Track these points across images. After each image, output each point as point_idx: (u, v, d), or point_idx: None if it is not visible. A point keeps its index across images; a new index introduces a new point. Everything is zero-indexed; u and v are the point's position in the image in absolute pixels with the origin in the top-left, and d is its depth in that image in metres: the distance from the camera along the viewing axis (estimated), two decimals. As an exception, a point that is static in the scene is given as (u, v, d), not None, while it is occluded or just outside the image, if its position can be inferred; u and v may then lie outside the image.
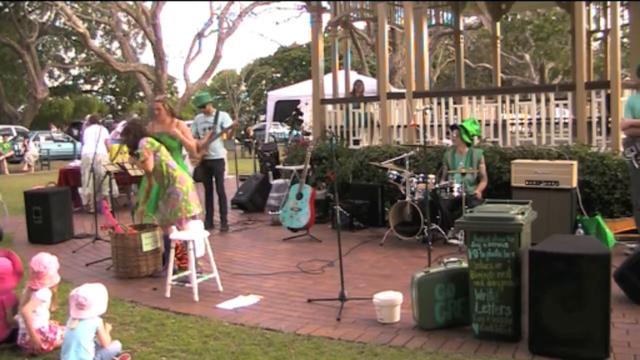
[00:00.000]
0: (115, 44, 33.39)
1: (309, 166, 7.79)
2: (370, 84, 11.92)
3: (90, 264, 6.35)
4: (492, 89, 12.92)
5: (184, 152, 9.96)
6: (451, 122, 8.26)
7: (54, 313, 4.18)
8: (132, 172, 7.42)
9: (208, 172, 7.99)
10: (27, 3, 27.40)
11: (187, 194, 5.64)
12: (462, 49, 12.41)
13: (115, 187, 9.20)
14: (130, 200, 10.38)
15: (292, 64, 43.55)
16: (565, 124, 7.87)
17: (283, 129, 26.64)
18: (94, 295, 3.75)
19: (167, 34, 71.05)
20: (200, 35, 23.32)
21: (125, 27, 28.20)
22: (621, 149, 6.72)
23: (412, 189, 6.88)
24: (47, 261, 4.03)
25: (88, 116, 13.19)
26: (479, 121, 8.28)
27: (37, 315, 3.94)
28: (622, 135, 6.29)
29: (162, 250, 5.95)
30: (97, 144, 8.12)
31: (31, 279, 4.01)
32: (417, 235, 6.67)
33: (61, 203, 7.81)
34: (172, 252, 5.27)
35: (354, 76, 13.79)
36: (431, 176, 6.89)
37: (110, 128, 15.06)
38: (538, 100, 8.01)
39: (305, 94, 13.79)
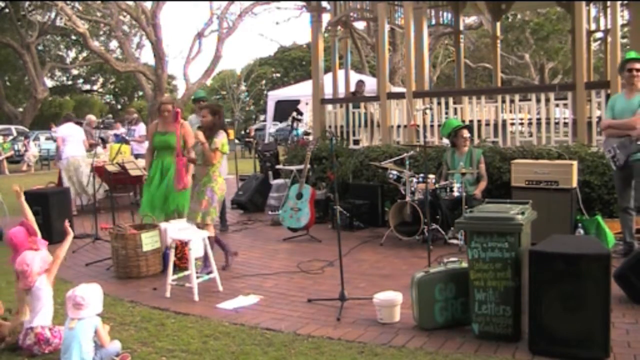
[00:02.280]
0: (115, 43, 33.37)
1: (309, 166, 7.79)
2: (370, 84, 11.93)
3: (90, 264, 6.35)
4: (492, 89, 12.92)
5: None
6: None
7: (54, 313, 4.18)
8: (132, 172, 7.42)
9: None
10: (27, 3, 27.38)
11: (219, 201, 5.83)
12: (462, 49, 12.41)
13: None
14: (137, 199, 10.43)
15: (292, 64, 43.51)
16: (565, 124, 7.88)
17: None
18: (91, 295, 3.75)
19: (167, 34, 71.04)
20: (200, 35, 23.30)
21: (125, 27, 28.16)
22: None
23: (412, 189, 6.88)
24: (29, 259, 4.01)
25: (91, 116, 13.27)
26: (478, 121, 8.30)
27: (40, 313, 3.95)
28: (602, 136, 6.27)
29: (161, 251, 5.96)
30: (77, 145, 8.16)
31: (20, 280, 4.02)
32: (417, 235, 6.67)
33: (61, 203, 7.81)
34: (172, 252, 5.28)
35: (354, 76, 13.79)
36: (431, 176, 6.89)
37: (110, 128, 15.15)
38: (538, 100, 8.00)
39: (305, 94, 13.81)
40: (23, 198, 4.54)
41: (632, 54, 5.75)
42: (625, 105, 5.69)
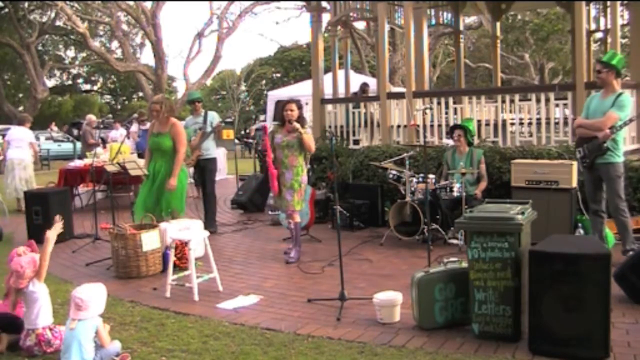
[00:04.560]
0: (115, 44, 33.37)
1: (309, 166, 7.78)
2: (371, 84, 11.93)
3: (90, 264, 6.35)
4: (492, 89, 12.92)
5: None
6: (451, 122, 8.25)
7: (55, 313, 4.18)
8: (132, 172, 7.41)
9: (201, 172, 8.02)
10: (27, 3, 27.37)
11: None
12: (462, 49, 12.41)
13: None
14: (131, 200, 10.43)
15: (292, 64, 43.45)
16: (566, 124, 7.88)
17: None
18: (91, 296, 3.74)
19: (167, 34, 70.95)
20: (200, 35, 23.30)
21: (125, 27, 28.18)
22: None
23: (412, 189, 6.88)
24: (25, 261, 4.03)
25: (91, 116, 13.29)
26: (478, 121, 8.30)
27: (40, 314, 3.95)
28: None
29: (161, 251, 5.96)
30: (22, 150, 9.39)
31: (13, 277, 4.04)
32: (417, 235, 6.68)
33: (61, 203, 7.81)
34: (172, 252, 5.28)
35: (354, 76, 13.77)
36: (431, 176, 6.89)
37: (110, 128, 15.16)
38: (538, 100, 8.01)
39: (305, 94, 13.79)
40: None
41: (606, 56, 5.70)
42: (598, 105, 5.63)
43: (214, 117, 7.99)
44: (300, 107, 6.23)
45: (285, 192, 6.22)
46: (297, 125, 6.02)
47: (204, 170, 7.96)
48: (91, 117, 13.36)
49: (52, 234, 4.08)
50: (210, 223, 7.89)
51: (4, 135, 21.35)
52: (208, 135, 7.82)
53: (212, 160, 8.03)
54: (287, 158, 6.18)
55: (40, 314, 3.95)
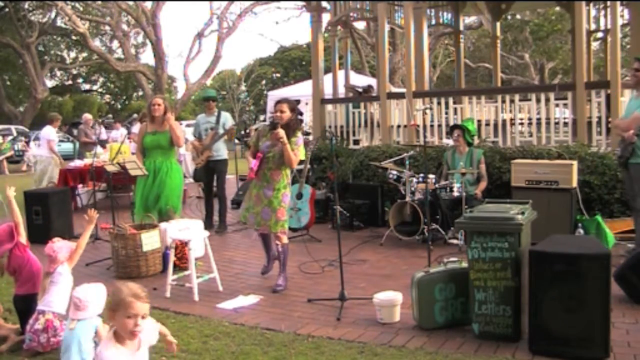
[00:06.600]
0: (116, 43, 33.36)
1: (308, 166, 7.78)
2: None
3: (90, 264, 6.34)
4: (492, 89, 12.91)
5: (182, 152, 9.94)
6: (451, 122, 8.26)
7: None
8: (132, 172, 7.41)
9: (209, 172, 7.98)
10: (27, 3, 27.37)
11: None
12: (462, 49, 12.42)
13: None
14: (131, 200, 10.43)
15: (292, 64, 43.42)
16: (565, 124, 7.88)
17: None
18: (90, 296, 3.73)
19: (167, 34, 70.92)
20: (200, 35, 23.31)
21: (125, 27, 28.18)
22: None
23: (412, 189, 6.88)
24: (57, 246, 4.13)
25: (87, 115, 13.39)
26: (479, 121, 8.30)
27: (56, 299, 4.00)
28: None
29: (161, 251, 5.95)
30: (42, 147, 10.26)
31: (48, 263, 4.13)
32: (417, 235, 6.68)
33: (61, 203, 7.82)
34: (172, 252, 5.28)
35: (354, 76, 13.78)
36: (431, 176, 6.89)
37: (110, 128, 15.18)
38: (538, 100, 8.01)
39: (305, 94, 13.81)
40: (13, 199, 4.54)
41: None
42: (631, 105, 5.70)
43: (226, 119, 7.93)
44: (293, 110, 5.22)
45: (262, 209, 5.25)
46: (282, 134, 5.02)
47: (215, 172, 7.94)
48: (87, 116, 13.39)
49: (90, 225, 4.29)
50: (221, 224, 7.96)
51: (4, 135, 21.48)
52: (220, 137, 7.78)
53: (223, 162, 8.01)
54: (269, 171, 5.22)
55: (58, 296, 3.98)
